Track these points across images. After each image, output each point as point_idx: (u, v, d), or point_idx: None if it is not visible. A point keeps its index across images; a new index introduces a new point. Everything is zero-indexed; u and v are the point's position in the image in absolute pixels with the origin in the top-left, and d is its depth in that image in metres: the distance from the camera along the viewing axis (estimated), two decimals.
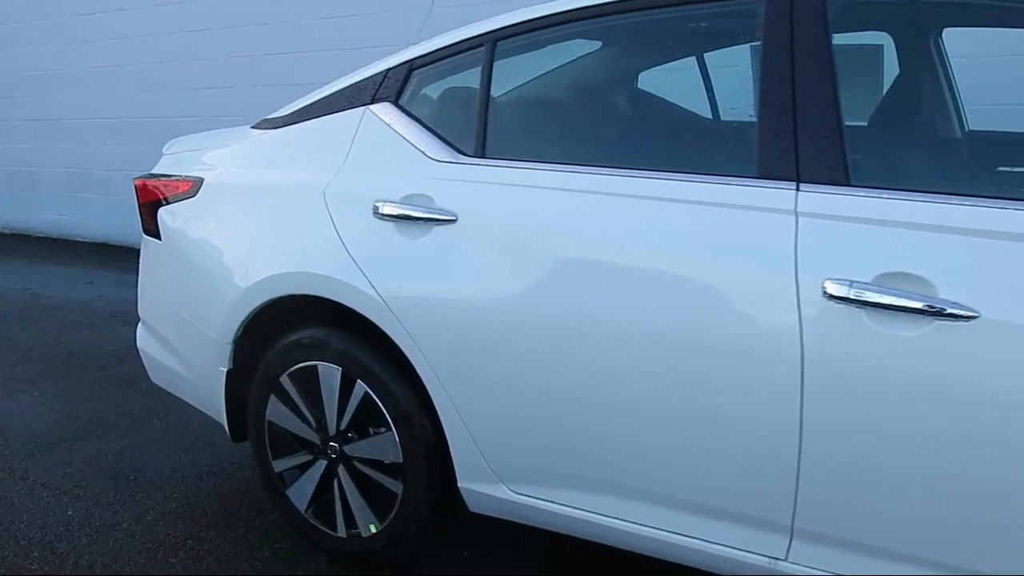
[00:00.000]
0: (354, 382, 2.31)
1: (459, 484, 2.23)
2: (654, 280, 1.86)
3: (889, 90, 2.59)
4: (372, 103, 2.37)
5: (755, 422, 1.77)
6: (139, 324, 2.96)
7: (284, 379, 2.44)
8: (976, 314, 1.54)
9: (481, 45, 2.24)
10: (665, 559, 2.00)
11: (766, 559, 1.83)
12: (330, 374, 2.35)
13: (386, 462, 2.31)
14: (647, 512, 1.96)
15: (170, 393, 2.94)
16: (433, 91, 2.39)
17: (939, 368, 1.58)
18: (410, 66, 2.35)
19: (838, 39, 1.81)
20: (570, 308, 1.95)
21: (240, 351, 2.51)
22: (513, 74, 2.34)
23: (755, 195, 1.78)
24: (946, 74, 2.67)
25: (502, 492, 2.16)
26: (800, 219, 1.72)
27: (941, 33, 2.64)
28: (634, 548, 2.04)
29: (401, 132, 2.29)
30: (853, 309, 1.64)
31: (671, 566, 2.02)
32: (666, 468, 1.91)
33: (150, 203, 2.73)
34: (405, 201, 2.19)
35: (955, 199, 1.62)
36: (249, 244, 2.49)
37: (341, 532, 2.44)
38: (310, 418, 2.43)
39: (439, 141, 2.24)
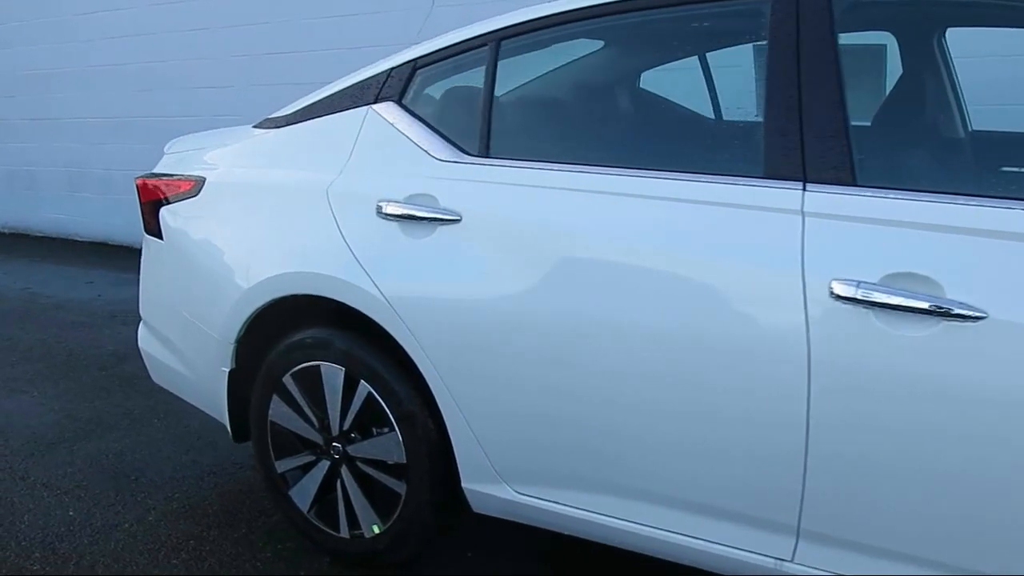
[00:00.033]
0: (357, 382, 2.30)
1: (463, 484, 2.22)
2: (660, 280, 1.85)
3: (893, 90, 2.59)
4: (375, 102, 2.36)
5: (761, 422, 1.77)
6: (140, 324, 2.95)
7: (287, 379, 2.44)
8: (984, 314, 1.54)
9: (485, 44, 2.23)
10: (670, 560, 1.99)
11: (772, 560, 1.82)
12: (333, 374, 2.34)
13: (389, 462, 2.30)
14: (652, 513, 1.95)
15: (170, 393, 2.93)
16: (437, 90, 2.38)
17: (947, 369, 1.58)
18: (414, 65, 2.34)
19: (842, 39, 1.80)
20: (575, 308, 1.94)
21: (242, 351, 2.51)
22: (517, 73, 2.34)
23: (761, 195, 1.78)
24: (949, 74, 2.67)
25: (506, 492, 2.16)
26: (807, 219, 1.71)
27: (944, 33, 2.63)
28: (638, 549, 2.03)
29: (405, 131, 2.28)
30: (860, 309, 1.63)
31: (673, 567, 2.01)
32: (671, 468, 1.91)
33: (152, 202, 2.72)
34: (409, 201, 2.19)
35: (962, 199, 1.62)
36: (252, 244, 2.48)
37: (344, 533, 2.44)
38: (313, 418, 2.42)
39: (443, 141, 2.24)
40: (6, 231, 8.75)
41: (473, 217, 2.10)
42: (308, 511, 2.49)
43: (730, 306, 1.78)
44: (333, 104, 2.45)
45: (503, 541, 2.62)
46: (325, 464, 2.43)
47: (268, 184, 2.49)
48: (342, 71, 2.61)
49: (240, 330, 2.46)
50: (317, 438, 2.43)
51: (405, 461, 2.27)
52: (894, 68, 2.65)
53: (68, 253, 7.58)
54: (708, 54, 2.58)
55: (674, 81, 2.55)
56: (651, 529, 1.96)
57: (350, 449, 2.37)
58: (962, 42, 2.68)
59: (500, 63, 2.21)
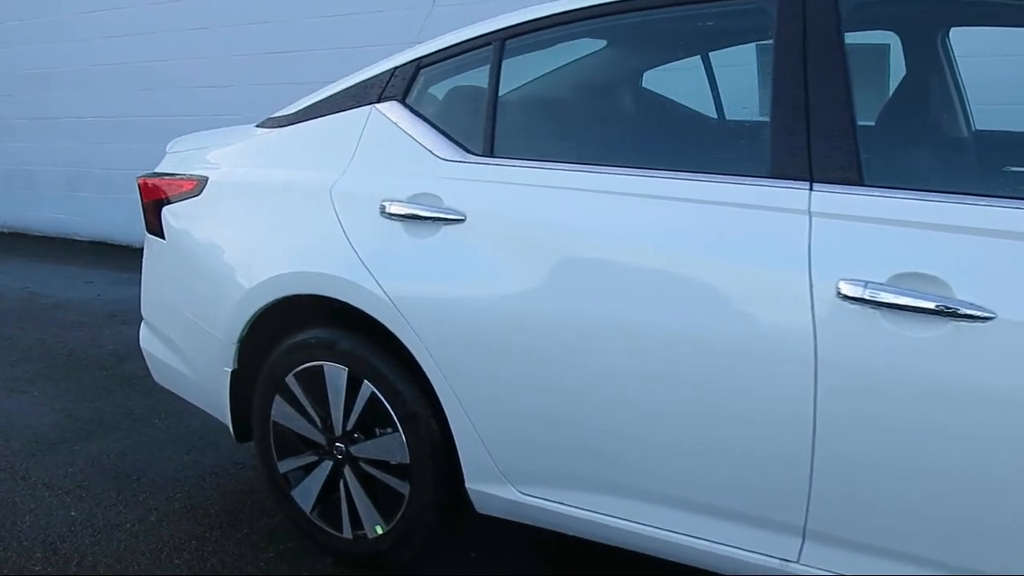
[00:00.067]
0: (360, 382, 2.29)
1: (466, 485, 2.21)
2: (666, 280, 1.85)
3: (897, 89, 2.58)
4: (379, 102, 2.36)
5: (767, 422, 1.76)
6: (142, 324, 2.94)
7: (289, 379, 2.43)
8: (992, 315, 1.53)
9: (489, 44, 2.23)
10: (675, 561, 1.99)
11: (777, 560, 1.82)
12: (336, 374, 2.33)
13: (392, 463, 2.30)
14: (657, 513, 1.95)
15: (172, 393, 2.92)
16: (440, 90, 2.37)
17: (955, 369, 1.57)
18: (417, 65, 2.34)
19: (847, 39, 1.80)
20: (580, 308, 1.94)
21: (245, 351, 2.50)
22: (521, 73, 2.33)
23: (768, 195, 1.77)
24: (953, 73, 2.66)
25: (510, 493, 2.15)
26: (813, 219, 1.71)
27: (948, 32, 2.63)
28: (643, 550, 2.03)
29: (408, 131, 2.28)
30: (868, 310, 1.63)
31: (676, 567, 2.01)
32: (677, 469, 1.90)
33: (154, 202, 2.71)
34: (413, 200, 2.18)
35: (970, 199, 1.61)
36: (254, 243, 2.47)
37: (347, 533, 2.43)
38: (316, 419, 2.41)
39: (447, 140, 2.23)
40: (5, 230, 8.74)
41: (477, 217, 2.09)
42: (311, 511, 2.48)
43: (736, 306, 1.78)
44: (336, 103, 2.45)
45: (506, 541, 2.62)
46: (328, 464, 2.42)
47: (271, 184, 2.48)
48: (343, 70, 2.60)
49: (243, 330, 2.45)
50: (320, 438, 2.42)
51: (408, 461, 2.26)
52: (896, 68, 2.65)
53: (67, 253, 7.57)
54: (712, 54, 2.58)
55: (675, 81, 2.54)
56: (656, 530, 1.96)
57: (353, 449, 2.36)
58: (965, 42, 2.68)
59: (505, 62, 2.20)
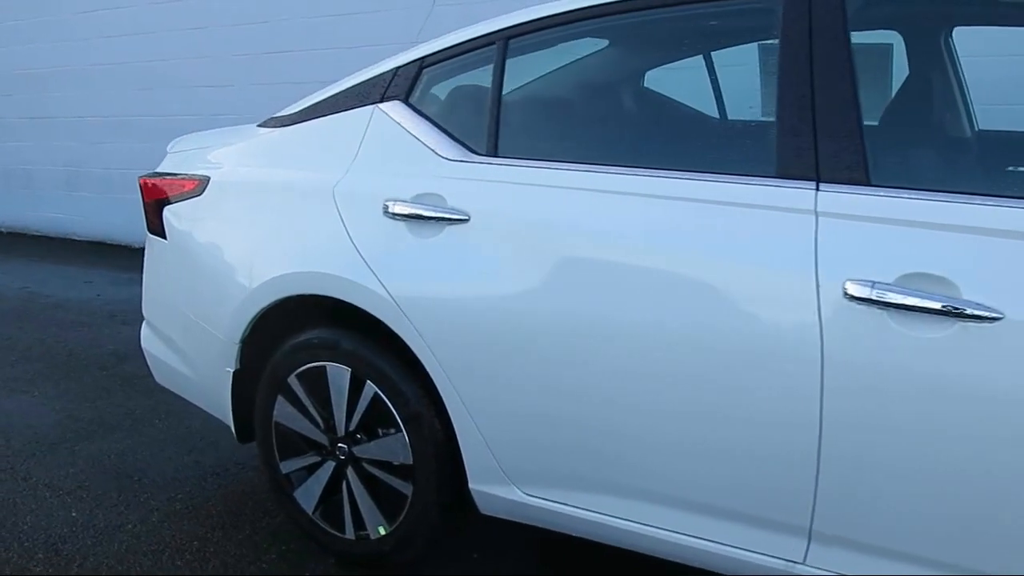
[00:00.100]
0: (363, 383, 2.28)
1: (470, 486, 2.21)
2: (671, 280, 1.84)
3: (901, 89, 2.58)
4: (382, 101, 2.35)
5: (774, 423, 1.75)
6: (143, 324, 2.93)
7: (292, 380, 2.42)
8: (1000, 315, 1.52)
9: (493, 43, 2.22)
10: (680, 562, 1.98)
11: (783, 562, 1.81)
12: (339, 375, 2.33)
13: (396, 463, 2.29)
14: (662, 514, 1.94)
15: (172, 393, 2.91)
16: (443, 89, 2.36)
17: (963, 370, 1.56)
18: (421, 64, 2.33)
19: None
20: (585, 309, 1.93)
21: (247, 351, 2.49)
22: (525, 72, 2.32)
23: (774, 195, 1.76)
24: (956, 73, 2.66)
25: (514, 494, 2.14)
26: (820, 219, 1.70)
27: (952, 32, 2.62)
28: (648, 551, 2.02)
29: (412, 131, 2.27)
30: (875, 310, 1.62)
31: (680, 568, 2.00)
32: (682, 470, 1.89)
33: (155, 202, 2.70)
34: (416, 200, 2.17)
35: (978, 199, 1.61)
36: (256, 243, 2.46)
37: (349, 534, 2.42)
38: (318, 419, 2.41)
39: (450, 140, 2.22)
40: (4, 230, 8.73)
41: (481, 217, 2.09)
42: (313, 512, 2.48)
43: (742, 307, 1.77)
44: (339, 103, 2.44)
45: (509, 542, 2.61)
46: (330, 465, 2.41)
47: (273, 183, 2.48)
48: (342, 70, 2.59)
49: (245, 330, 2.45)
50: (322, 439, 2.41)
51: (412, 462, 2.25)
52: (899, 68, 2.64)
53: (66, 252, 7.56)
54: (719, 53, 2.57)
55: (675, 81, 2.54)
56: (662, 531, 1.95)
57: (356, 450, 2.36)
58: (968, 41, 2.67)
59: (508, 62, 2.19)
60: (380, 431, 2.30)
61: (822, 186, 1.72)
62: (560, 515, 2.09)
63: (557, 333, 1.97)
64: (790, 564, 1.80)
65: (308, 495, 2.48)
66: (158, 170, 2.79)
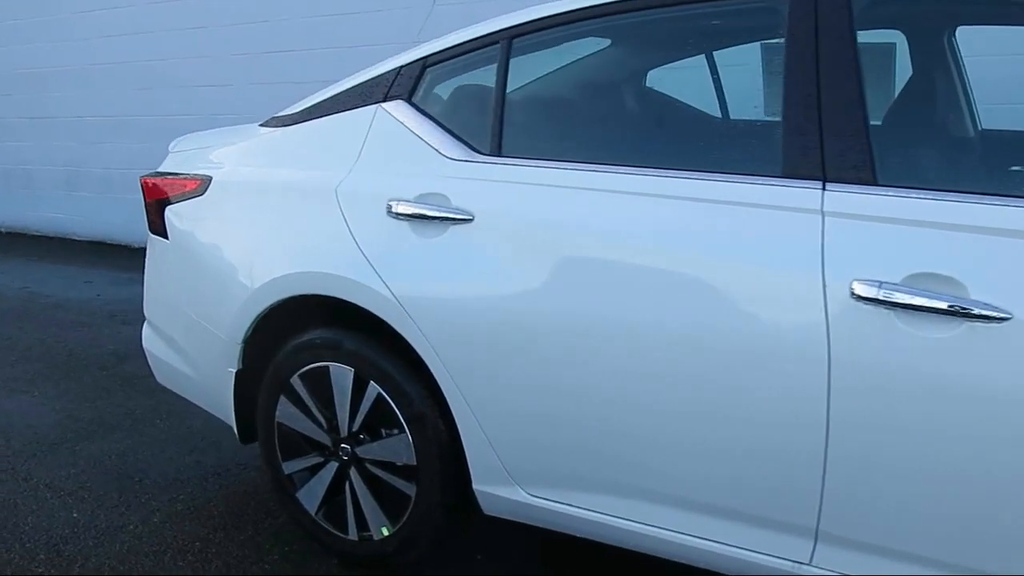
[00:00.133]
0: (367, 383, 2.28)
1: (474, 486, 2.20)
2: (677, 280, 1.83)
3: (904, 88, 2.57)
4: (385, 101, 2.34)
5: (780, 423, 1.75)
6: (144, 324, 2.93)
7: (295, 380, 2.41)
8: (1008, 315, 1.52)
9: (496, 43, 2.21)
10: (685, 563, 1.98)
11: (789, 563, 1.81)
12: (342, 375, 2.32)
13: (399, 464, 2.28)
14: (668, 515, 1.94)
15: (173, 393, 2.91)
16: (447, 89, 2.36)
17: (971, 370, 1.56)
18: (424, 63, 2.32)
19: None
20: (590, 309, 1.92)
21: (249, 352, 2.48)
22: (529, 72, 2.32)
23: (780, 194, 1.76)
24: (959, 73, 2.65)
25: (518, 495, 2.14)
26: (826, 219, 1.70)
27: (955, 32, 2.62)
28: (653, 552, 2.01)
29: (415, 130, 2.26)
30: (882, 310, 1.61)
31: (684, 569, 1.99)
32: (688, 470, 1.89)
33: (157, 201, 2.70)
34: (420, 200, 2.17)
35: (987, 199, 1.60)
36: (259, 243, 2.46)
37: (352, 535, 2.41)
38: (321, 419, 2.40)
39: (454, 139, 2.22)
40: (3, 230, 8.71)
41: (485, 216, 2.08)
42: (316, 513, 2.47)
43: (748, 307, 1.77)
44: (341, 102, 2.43)
45: (513, 542, 2.60)
46: (333, 466, 2.40)
47: (275, 183, 2.47)
48: (342, 70, 2.58)
49: (247, 330, 2.44)
50: (325, 439, 2.41)
51: (415, 463, 2.25)
52: (902, 68, 2.64)
53: (66, 252, 7.55)
54: (724, 52, 2.56)
55: (676, 80, 2.53)
56: (667, 532, 1.94)
57: (359, 451, 2.35)
58: (971, 41, 2.67)
59: (512, 61, 2.19)
60: (383, 432, 2.30)
61: (828, 186, 1.72)
62: (564, 515, 2.08)
63: (561, 333, 1.96)
64: (796, 565, 1.80)
65: (311, 496, 2.47)
66: (160, 170, 2.78)
